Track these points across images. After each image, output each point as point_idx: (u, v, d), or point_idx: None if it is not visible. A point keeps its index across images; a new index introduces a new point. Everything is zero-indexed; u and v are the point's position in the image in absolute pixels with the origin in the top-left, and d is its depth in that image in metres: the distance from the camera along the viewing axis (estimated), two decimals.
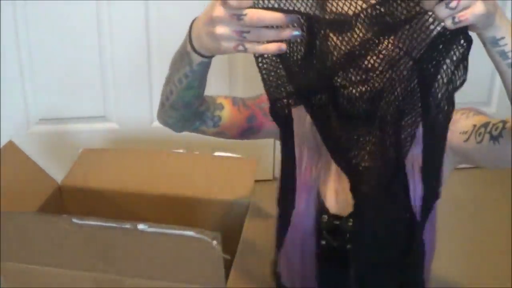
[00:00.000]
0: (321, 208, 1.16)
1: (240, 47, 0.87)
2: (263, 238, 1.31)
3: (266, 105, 1.06)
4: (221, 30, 0.87)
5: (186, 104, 1.11)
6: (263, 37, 0.85)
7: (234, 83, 2.26)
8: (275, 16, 0.82)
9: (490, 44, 0.89)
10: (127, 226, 0.92)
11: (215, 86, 2.28)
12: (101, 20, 2.10)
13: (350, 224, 1.13)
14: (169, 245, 0.93)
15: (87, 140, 2.19)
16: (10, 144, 1.42)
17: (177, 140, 2.28)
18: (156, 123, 2.28)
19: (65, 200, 1.45)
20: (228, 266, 1.04)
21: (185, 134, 2.30)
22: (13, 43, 2.08)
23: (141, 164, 1.52)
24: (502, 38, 0.88)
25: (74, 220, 0.94)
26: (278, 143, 2.45)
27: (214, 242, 0.89)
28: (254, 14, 0.82)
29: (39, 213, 1.28)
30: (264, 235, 1.27)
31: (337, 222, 1.15)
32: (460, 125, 1.08)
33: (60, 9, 2.06)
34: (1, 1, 2.01)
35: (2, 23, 2.04)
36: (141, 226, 0.91)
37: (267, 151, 2.36)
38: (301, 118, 1.13)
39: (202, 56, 0.96)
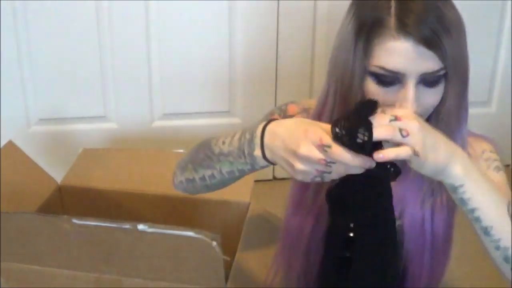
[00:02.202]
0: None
1: (317, 179, 0.90)
2: (263, 238, 1.31)
3: None
4: (303, 167, 0.88)
5: (226, 185, 1.10)
6: (344, 173, 0.89)
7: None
8: (366, 163, 0.86)
9: (449, 190, 0.94)
10: (127, 226, 0.92)
11: (214, 92, 2.29)
12: (101, 20, 2.10)
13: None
14: (169, 246, 0.93)
15: (87, 140, 2.19)
16: (10, 144, 1.42)
17: (177, 140, 2.28)
18: (156, 123, 2.29)
19: (65, 200, 1.45)
20: (228, 266, 1.04)
21: (185, 134, 2.31)
22: (13, 43, 2.08)
23: (141, 164, 1.52)
24: (461, 186, 0.92)
25: (74, 221, 0.94)
26: None
27: (214, 243, 0.89)
28: (345, 162, 0.86)
29: (39, 214, 1.28)
30: (264, 235, 1.27)
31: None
32: None
33: (60, 9, 2.06)
34: (1, 1, 2.01)
35: (2, 23, 2.04)
36: (141, 227, 0.91)
37: None
38: None
39: (270, 163, 0.96)
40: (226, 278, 1.00)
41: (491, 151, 1.11)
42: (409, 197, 1.10)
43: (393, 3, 0.97)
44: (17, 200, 1.30)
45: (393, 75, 0.97)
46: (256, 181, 1.47)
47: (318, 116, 1.10)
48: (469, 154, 1.03)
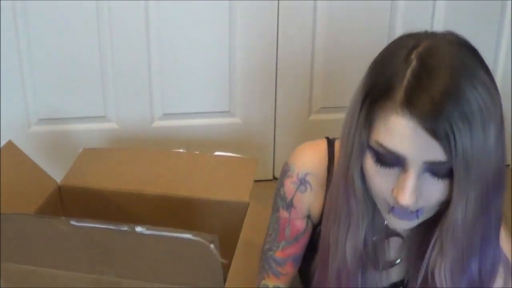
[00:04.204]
0: None
1: None
2: (262, 238, 1.30)
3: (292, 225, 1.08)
4: None
5: None
6: None
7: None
8: None
9: None
10: (125, 228, 0.92)
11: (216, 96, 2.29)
12: (101, 20, 2.10)
13: None
14: (167, 248, 0.93)
15: (87, 140, 2.19)
16: (10, 144, 1.42)
17: (177, 140, 2.29)
18: (156, 123, 2.29)
19: (64, 200, 1.45)
20: (226, 266, 1.04)
21: (185, 133, 2.31)
22: (13, 43, 2.08)
23: (141, 164, 1.52)
24: None
25: (72, 222, 0.94)
26: (278, 143, 2.45)
27: (212, 245, 0.89)
28: None
29: (38, 215, 1.28)
30: (264, 235, 1.27)
31: None
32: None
33: (60, 9, 2.06)
34: (1, 1, 2.01)
35: (2, 23, 2.04)
36: (139, 229, 0.91)
37: (267, 151, 2.36)
38: None
39: None
40: (224, 280, 1.00)
41: None
42: None
43: (409, 72, 0.82)
44: (16, 200, 1.30)
45: (393, 157, 0.84)
46: (256, 181, 1.47)
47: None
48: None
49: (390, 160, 0.85)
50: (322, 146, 1.07)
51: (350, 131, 0.89)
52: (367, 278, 1.01)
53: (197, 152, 1.72)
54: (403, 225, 0.92)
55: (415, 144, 0.81)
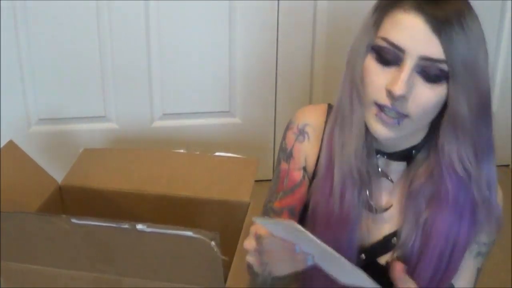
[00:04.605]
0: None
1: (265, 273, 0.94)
2: None
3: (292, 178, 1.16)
4: (248, 258, 0.98)
5: None
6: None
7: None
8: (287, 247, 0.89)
9: None
10: (126, 226, 0.92)
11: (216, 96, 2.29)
12: (101, 20, 2.10)
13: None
14: (168, 246, 0.93)
15: (87, 140, 2.20)
16: (10, 143, 1.42)
17: (177, 140, 2.29)
18: (156, 123, 2.29)
19: (65, 200, 1.45)
20: (227, 266, 1.04)
21: (185, 134, 2.31)
22: (13, 43, 2.08)
23: (141, 164, 1.52)
24: None
25: (73, 220, 0.94)
26: (278, 143, 2.45)
27: (213, 243, 0.89)
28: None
29: (39, 214, 1.28)
30: None
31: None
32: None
33: (60, 9, 2.06)
34: (1, 1, 2.02)
35: (2, 23, 2.04)
36: (140, 226, 0.91)
37: (267, 151, 2.36)
38: None
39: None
40: (225, 278, 1.00)
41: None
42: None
43: None
44: (17, 200, 1.30)
45: (393, 51, 0.94)
46: (256, 181, 1.47)
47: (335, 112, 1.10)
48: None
49: (390, 56, 0.95)
50: (323, 106, 1.18)
51: (356, 40, 1.01)
52: (362, 225, 1.08)
53: (198, 152, 1.72)
54: (385, 132, 0.99)
55: (417, 38, 0.92)
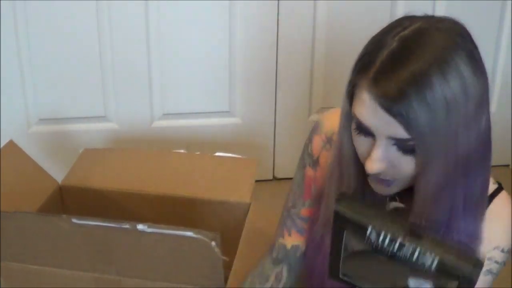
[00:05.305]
0: None
1: None
2: (264, 238, 1.31)
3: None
4: None
5: None
6: None
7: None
8: None
9: None
10: (127, 226, 0.92)
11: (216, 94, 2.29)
12: (101, 20, 2.10)
13: None
14: (168, 246, 0.94)
15: (87, 140, 2.19)
16: (11, 144, 1.42)
17: (177, 140, 2.29)
18: (156, 123, 2.29)
19: (65, 200, 1.45)
20: (227, 266, 1.04)
21: (185, 134, 2.31)
22: (13, 43, 2.08)
23: (141, 164, 1.52)
24: None
25: (74, 220, 0.94)
26: (278, 143, 2.44)
27: (213, 243, 0.89)
28: None
29: (39, 213, 1.28)
30: (264, 235, 1.27)
31: None
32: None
33: (60, 9, 2.06)
34: (1, 1, 2.01)
35: (2, 23, 2.04)
36: (140, 227, 0.91)
37: (267, 151, 2.36)
38: None
39: None
40: (226, 278, 1.00)
41: (502, 250, 1.00)
42: None
43: (386, 52, 0.85)
44: (17, 200, 1.30)
45: (365, 127, 0.88)
46: (256, 181, 1.47)
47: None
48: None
49: (365, 129, 0.89)
50: None
51: (343, 100, 0.94)
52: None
53: (198, 153, 1.72)
54: (381, 189, 0.95)
55: (376, 121, 0.86)
